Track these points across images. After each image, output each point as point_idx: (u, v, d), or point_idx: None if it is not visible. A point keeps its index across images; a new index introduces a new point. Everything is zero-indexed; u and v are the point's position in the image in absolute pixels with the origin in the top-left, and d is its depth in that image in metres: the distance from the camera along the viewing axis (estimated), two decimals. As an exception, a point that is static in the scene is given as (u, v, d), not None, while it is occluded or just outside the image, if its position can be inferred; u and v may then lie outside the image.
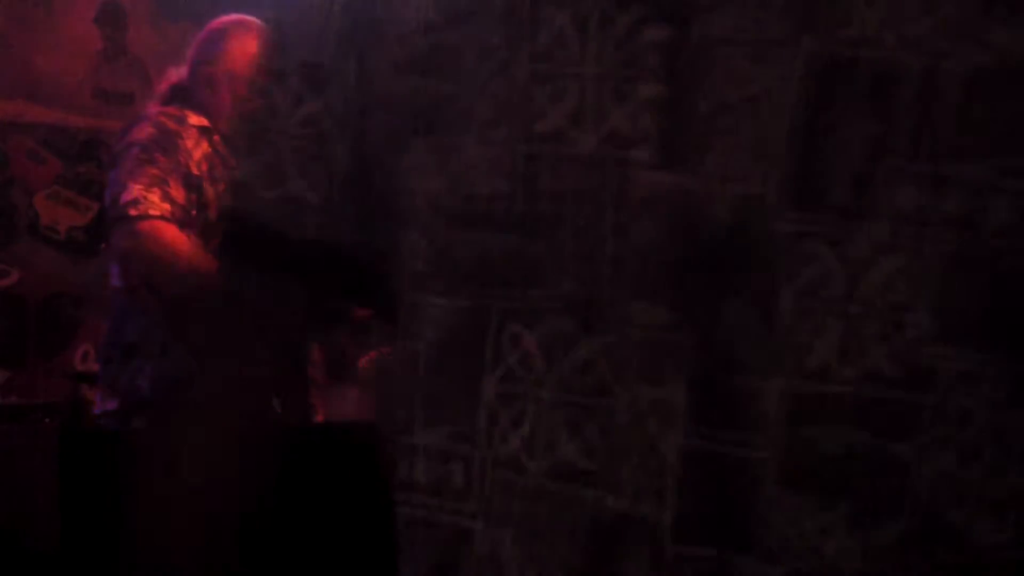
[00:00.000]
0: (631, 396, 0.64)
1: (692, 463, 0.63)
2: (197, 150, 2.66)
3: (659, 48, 0.64)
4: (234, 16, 2.79)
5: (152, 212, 2.53)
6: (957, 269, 0.61)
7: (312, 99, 0.71)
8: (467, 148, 0.67)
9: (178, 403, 2.55)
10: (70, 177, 4.94)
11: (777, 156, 0.62)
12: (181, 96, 2.78)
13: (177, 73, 2.83)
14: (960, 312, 0.61)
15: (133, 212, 2.53)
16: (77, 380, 4.25)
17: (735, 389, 0.63)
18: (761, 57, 0.63)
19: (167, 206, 2.55)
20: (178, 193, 2.58)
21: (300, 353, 2.75)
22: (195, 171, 2.64)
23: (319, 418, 2.77)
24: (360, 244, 0.74)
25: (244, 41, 2.72)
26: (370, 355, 2.83)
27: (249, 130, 0.80)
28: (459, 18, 0.68)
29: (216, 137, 2.70)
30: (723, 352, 0.63)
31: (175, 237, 2.54)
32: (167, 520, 1.48)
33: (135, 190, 2.54)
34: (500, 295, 0.66)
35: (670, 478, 0.64)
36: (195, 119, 2.71)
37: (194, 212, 2.62)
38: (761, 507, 0.62)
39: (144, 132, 2.65)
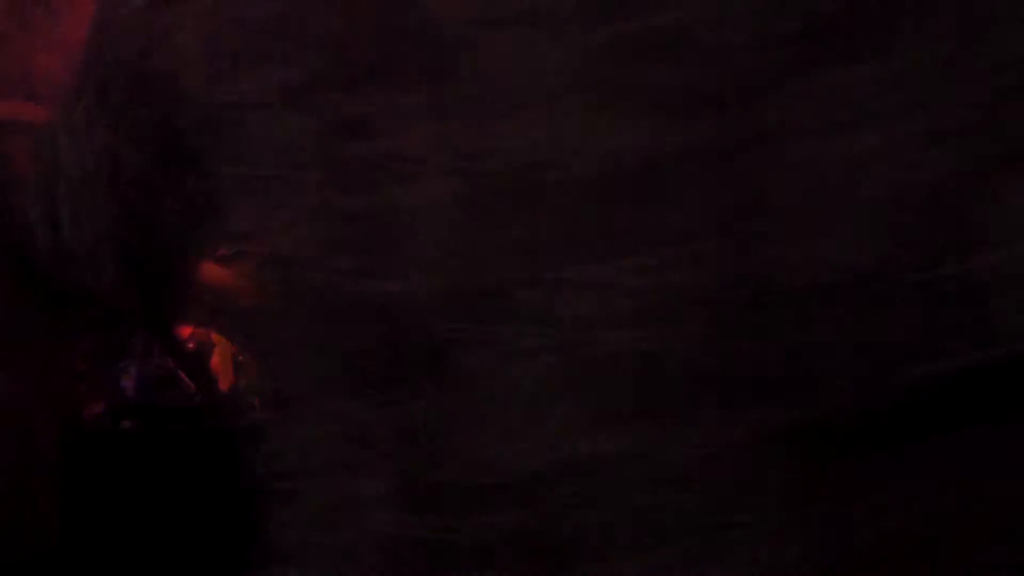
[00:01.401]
0: (328, 484, 0.69)
1: (392, 550, 0.67)
2: None
3: (358, 161, 0.69)
4: None
5: None
6: (595, 368, 0.67)
7: None
8: None
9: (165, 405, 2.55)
10: (70, 177, 4.93)
11: (437, 260, 0.67)
12: None
13: None
14: (591, 403, 0.67)
15: None
16: (77, 380, 4.25)
17: (437, 484, 0.67)
18: (434, 172, 0.68)
19: None
20: None
21: None
22: None
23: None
24: None
25: None
26: None
27: None
28: None
29: None
30: (425, 448, 0.67)
31: None
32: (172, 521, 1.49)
33: None
34: None
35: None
36: None
37: None
38: None
39: None
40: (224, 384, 2.85)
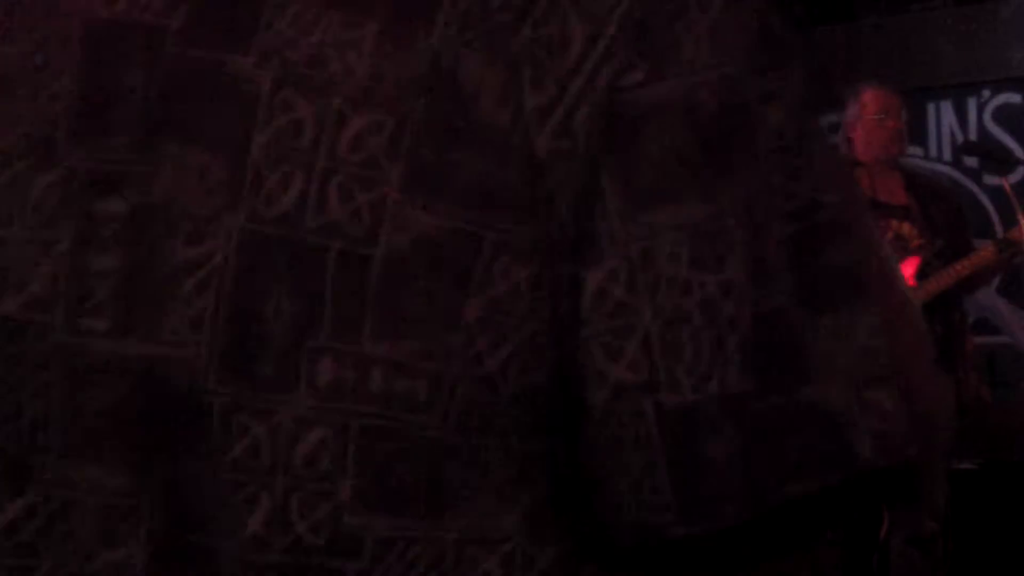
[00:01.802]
0: (82, 558, 0.68)
1: None
2: None
3: (115, 218, 0.68)
4: None
5: None
6: (376, 440, 0.66)
7: None
8: None
9: None
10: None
11: (215, 327, 0.66)
12: None
13: None
14: (380, 481, 0.67)
15: None
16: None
17: (192, 548, 0.66)
18: (199, 232, 0.67)
19: None
20: None
21: None
22: None
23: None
24: None
25: None
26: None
27: None
28: None
29: None
30: (180, 513, 0.66)
31: None
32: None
33: None
34: None
35: None
36: None
37: None
38: None
39: None
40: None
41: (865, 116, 4.72)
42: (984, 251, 4.62)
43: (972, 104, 6.54)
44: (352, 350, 0.65)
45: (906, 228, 4.68)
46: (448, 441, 0.66)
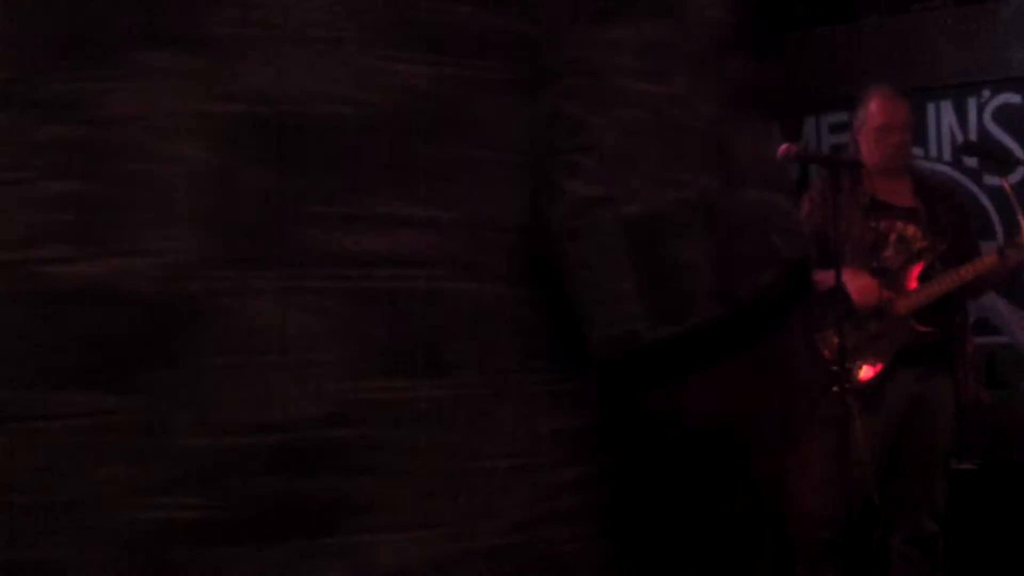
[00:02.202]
0: (75, 482, 0.67)
1: (152, 537, 0.66)
2: None
3: (61, 144, 0.67)
4: None
5: None
6: (364, 310, 0.65)
7: None
8: None
9: None
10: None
11: (193, 219, 0.65)
12: None
13: None
14: (372, 345, 0.66)
15: None
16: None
17: (176, 450, 0.65)
18: (165, 130, 0.66)
19: None
20: None
21: None
22: None
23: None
24: None
25: None
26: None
27: None
28: None
29: None
30: (162, 419, 0.65)
31: None
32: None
33: None
34: None
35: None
36: None
37: None
38: (211, 566, 0.65)
39: None
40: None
41: (869, 126, 4.72)
42: (988, 258, 4.62)
43: (972, 104, 6.54)
44: (339, 212, 0.65)
45: (911, 230, 4.68)
46: (446, 291, 0.66)
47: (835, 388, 4.45)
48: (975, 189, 6.47)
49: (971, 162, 6.48)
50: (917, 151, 6.57)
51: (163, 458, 0.65)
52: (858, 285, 4.57)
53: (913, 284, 4.64)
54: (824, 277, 4.56)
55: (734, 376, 0.69)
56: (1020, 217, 4.53)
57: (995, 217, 6.33)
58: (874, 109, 4.71)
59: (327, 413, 0.67)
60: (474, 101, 0.68)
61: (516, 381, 0.68)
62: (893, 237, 4.68)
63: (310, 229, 0.67)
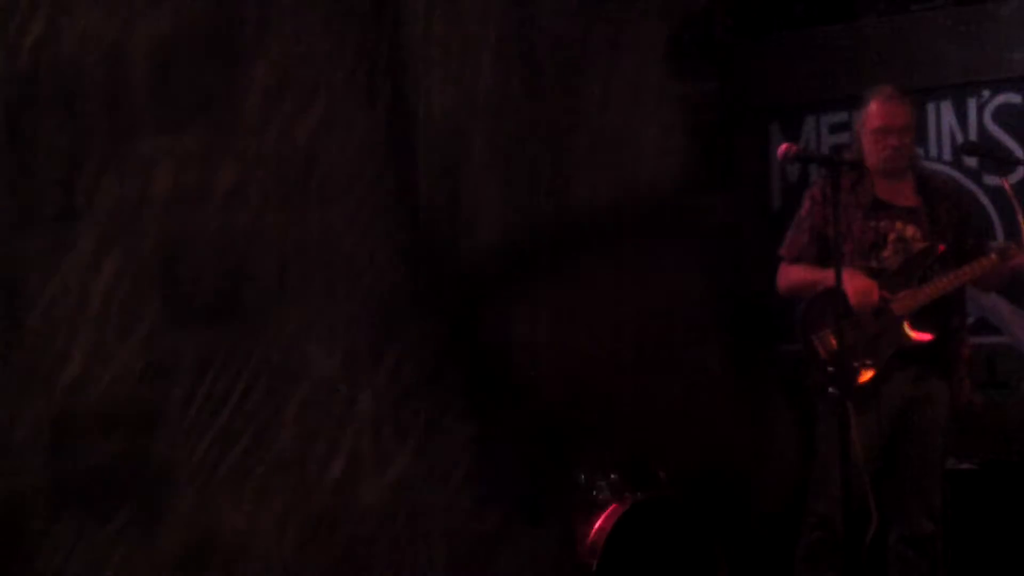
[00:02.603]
0: None
1: None
2: None
3: None
4: None
5: None
6: (177, 252, 0.62)
7: None
8: None
9: None
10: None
11: None
12: None
13: None
14: (189, 296, 0.63)
15: None
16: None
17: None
18: None
19: None
20: None
21: None
22: None
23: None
24: None
25: None
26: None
27: None
28: None
29: None
30: None
31: None
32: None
33: None
34: None
35: None
36: None
37: None
38: (30, 539, 0.64)
39: None
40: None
41: (868, 128, 4.71)
42: (985, 259, 4.62)
43: (972, 104, 6.54)
44: (134, 153, 0.61)
45: (910, 230, 4.67)
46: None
47: (831, 389, 4.45)
48: (975, 189, 6.46)
49: (971, 162, 6.47)
50: (917, 151, 6.57)
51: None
52: (856, 286, 4.57)
53: (911, 285, 4.64)
54: (823, 277, 4.56)
55: None
56: (1020, 217, 4.53)
57: (995, 217, 6.32)
58: (873, 111, 4.71)
59: (144, 366, 0.65)
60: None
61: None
62: (892, 237, 4.67)
63: (95, 183, 0.65)
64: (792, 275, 4.83)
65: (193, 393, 0.65)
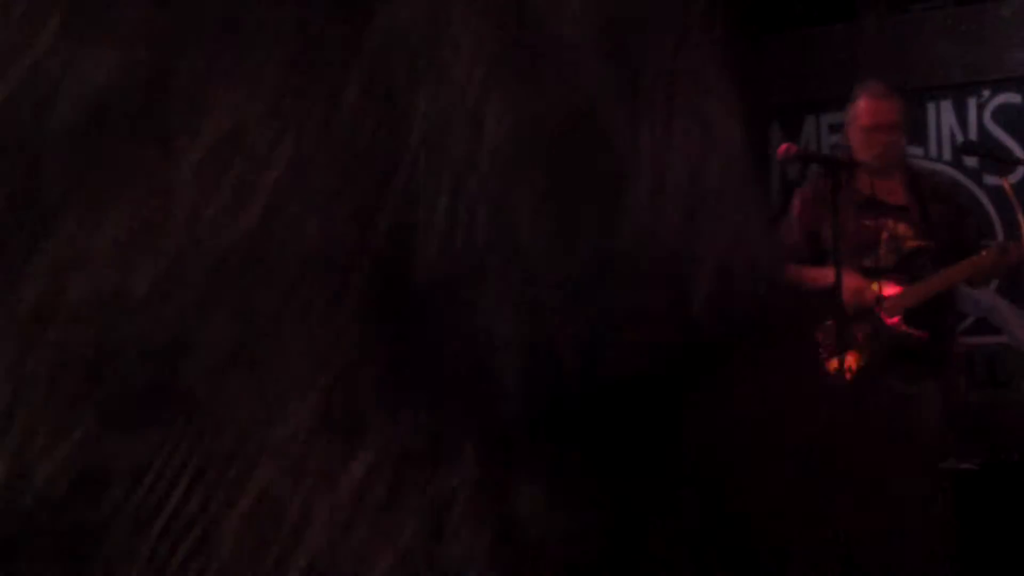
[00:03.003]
0: None
1: None
2: None
3: None
4: None
5: None
6: (105, 353, 0.55)
7: None
8: None
9: None
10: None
11: None
12: None
13: None
14: (120, 397, 0.56)
15: None
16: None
17: None
18: None
19: None
20: None
21: None
22: None
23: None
24: None
25: None
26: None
27: None
28: None
29: None
30: None
31: None
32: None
33: None
34: None
35: None
36: None
37: None
38: None
39: None
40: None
41: (857, 125, 4.70)
42: (977, 258, 4.62)
43: (972, 104, 6.54)
44: (55, 248, 0.54)
45: (902, 228, 4.67)
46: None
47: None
48: (975, 189, 6.47)
49: (971, 162, 6.48)
50: (917, 151, 6.57)
51: None
52: (850, 285, 4.57)
53: (905, 284, 4.64)
54: (816, 276, 4.56)
55: None
56: (1020, 217, 4.53)
57: (995, 217, 6.33)
58: (862, 109, 4.68)
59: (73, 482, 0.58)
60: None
61: None
62: (885, 236, 4.67)
63: (14, 278, 0.59)
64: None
65: (128, 499, 0.59)
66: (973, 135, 6.50)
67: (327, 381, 0.60)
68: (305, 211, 0.58)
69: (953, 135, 6.59)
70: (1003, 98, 6.47)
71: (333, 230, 0.59)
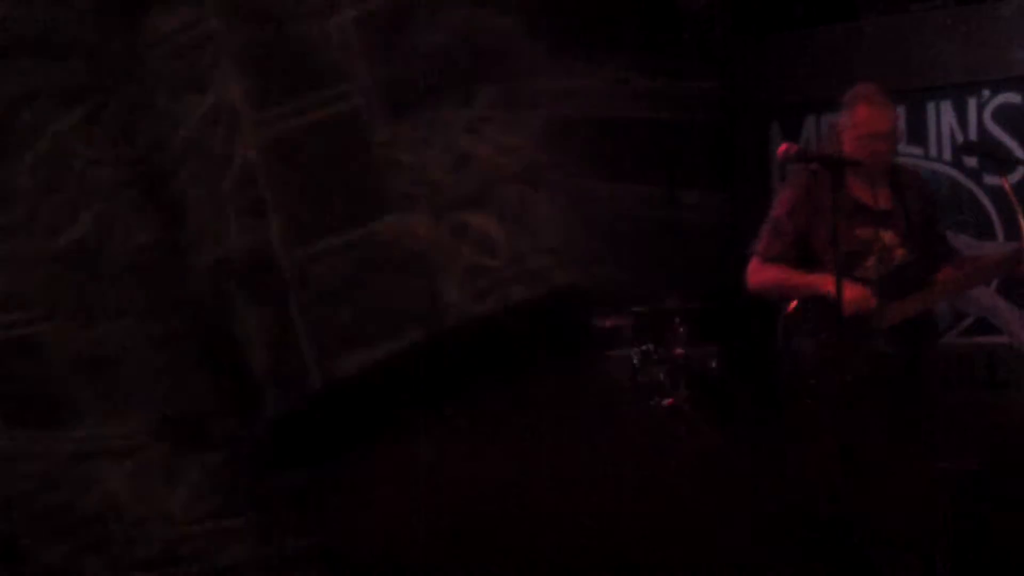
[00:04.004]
0: None
1: None
2: None
3: None
4: None
5: None
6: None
7: None
8: None
9: None
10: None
11: None
12: None
13: None
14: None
15: None
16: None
17: None
18: None
19: None
20: None
21: None
22: None
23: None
24: None
25: None
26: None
27: None
28: None
29: None
30: None
31: None
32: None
33: None
34: None
35: None
36: None
37: None
38: None
39: None
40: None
41: (854, 133, 4.63)
42: (974, 267, 4.61)
43: (972, 104, 6.54)
44: None
45: (888, 236, 4.64)
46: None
47: (809, 400, 4.43)
48: (975, 189, 6.47)
49: (971, 162, 6.48)
50: (917, 151, 6.57)
51: None
52: (850, 294, 4.52)
53: (898, 295, 4.62)
54: (807, 282, 4.53)
55: None
56: (1020, 217, 4.52)
57: (995, 217, 6.33)
58: (861, 117, 4.62)
59: None
60: None
61: None
62: (877, 247, 4.64)
63: None
64: (768, 275, 4.72)
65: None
66: (973, 135, 6.49)
67: (164, 395, 0.61)
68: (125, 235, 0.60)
69: (953, 135, 6.59)
70: (1003, 98, 6.47)
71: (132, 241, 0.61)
